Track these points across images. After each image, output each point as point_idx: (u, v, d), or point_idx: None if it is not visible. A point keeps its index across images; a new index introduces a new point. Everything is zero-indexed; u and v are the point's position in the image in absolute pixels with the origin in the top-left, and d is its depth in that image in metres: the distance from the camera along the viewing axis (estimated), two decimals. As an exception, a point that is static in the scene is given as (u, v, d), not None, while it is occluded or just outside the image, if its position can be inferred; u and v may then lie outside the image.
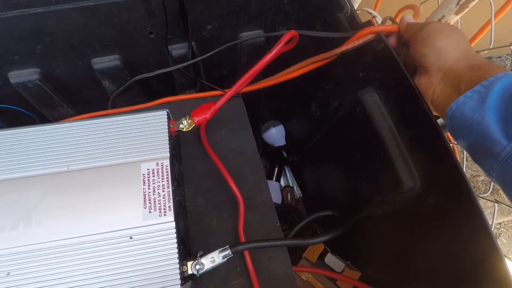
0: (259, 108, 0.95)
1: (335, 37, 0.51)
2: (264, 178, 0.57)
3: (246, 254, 0.46)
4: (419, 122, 0.43)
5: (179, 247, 0.40)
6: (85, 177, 0.43)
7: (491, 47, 0.55)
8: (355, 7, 0.78)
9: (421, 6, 0.69)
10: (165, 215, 0.41)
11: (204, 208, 0.53)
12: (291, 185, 0.98)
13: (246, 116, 0.62)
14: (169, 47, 0.57)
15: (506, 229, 1.31)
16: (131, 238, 0.40)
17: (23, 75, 0.53)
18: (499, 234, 1.30)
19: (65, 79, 0.58)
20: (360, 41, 0.48)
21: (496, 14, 0.57)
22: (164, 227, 0.40)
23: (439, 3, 0.49)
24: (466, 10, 0.46)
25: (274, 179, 0.96)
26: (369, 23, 0.49)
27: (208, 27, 0.57)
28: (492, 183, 0.43)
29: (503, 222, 1.30)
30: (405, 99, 0.45)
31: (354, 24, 0.52)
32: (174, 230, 0.40)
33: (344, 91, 0.61)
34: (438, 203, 0.43)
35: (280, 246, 0.46)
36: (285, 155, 0.96)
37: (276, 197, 0.93)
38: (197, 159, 0.56)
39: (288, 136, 0.99)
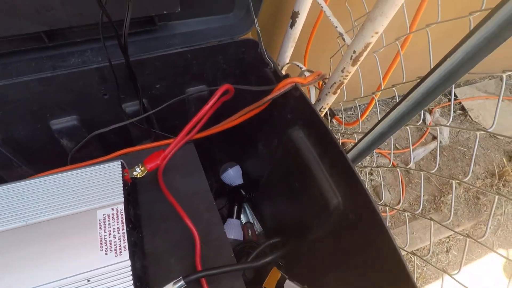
0: (214, 152, 1.03)
1: (262, 90, 0.62)
2: (217, 215, 0.63)
3: (204, 284, 0.50)
4: (333, 152, 0.53)
5: (135, 284, 0.44)
6: (44, 229, 0.47)
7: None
8: (287, 61, 0.92)
9: (331, 60, 0.85)
10: (120, 254, 0.45)
11: (162, 248, 0.57)
12: (251, 221, 1.03)
13: (198, 160, 0.69)
14: (123, 105, 0.65)
15: (455, 242, 1.43)
16: (88, 280, 0.43)
17: (-19, 143, 0.58)
18: (449, 247, 1.41)
19: (24, 141, 0.62)
20: (281, 90, 0.59)
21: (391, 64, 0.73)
22: (120, 266, 0.44)
23: (342, 56, 0.63)
24: (359, 63, 0.59)
25: (234, 217, 1.01)
26: (287, 76, 0.61)
27: (157, 86, 0.66)
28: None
29: (451, 235, 1.42)
30: (320, 134, 0.56)
31: (277, 77, 0.64)
32: (130, 268, 0.44)
33: (279, 130, 0.71)
34: (357, 219, 0.51)
35: (229, 271, 0.51)
36: (243, 193, 1.03)
37: (238, 234, 0.97)
38: (155, 203, 0.62)
39: (244, 174, 1.07)
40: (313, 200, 0.61)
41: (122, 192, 0.51)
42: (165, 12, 0.58)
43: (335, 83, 0.66)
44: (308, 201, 0.63)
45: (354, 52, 0.57)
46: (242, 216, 1.04)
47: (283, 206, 0.81)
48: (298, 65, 0.83)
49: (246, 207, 1.06)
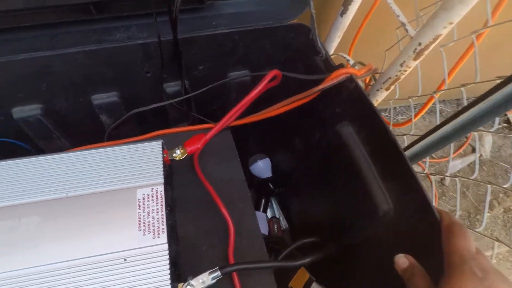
0: (247, 142, 1.00)
1: (311, 79, 0.58)
2: (251, 206, 0.60)
3: (235, 277, 0.48)
4: (389, 153, 0.48)
5: (171, 269, 0.42)
6: (83, 203, 0.45)
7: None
8: (331, 52, 0.88)
9: (385, 53, 0.79)
10: (158, 237, 0.43)
11: (195, 234, 0.55)
12: (277, 216, 1.00)
13: (234, 147, 0.66)
14: (164, 85, 0.63)
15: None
16: (125, 260, 0.42)
17: (25, 111, 0.57)
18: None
19: (65, 114, 0.62)
20: (335, 81, 0.55)
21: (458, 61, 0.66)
22: (157, 249, 0.43)
23: (400, 50, 0.58)
24: (422, 57, 0.54)
25: (261, 210, 0.99)
26: (341, 65, 0.57)
27: (200, 67, 0.63)
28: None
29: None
30: (376, 132, 0.51)
31: (329, 66, 0.60)
32: (167, 252, 0.42)
33: (324, 125, 0.67)
34: (410, 227, 0.47)
35: (267, 267, 0.48)
36: (271, 186, 1.00)
37: (263, 228, 0.95)
38: (188, 187, 0.60)
39: (274, 168, 1.03)
40: (358, 202, 0.57)
41: (162, 173, 0.49)
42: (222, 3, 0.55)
43: (389, 78, 0.62)
44: (352, 203, 0.59)
45: (419, 44, 0.52)
46: (268, 210, 1.01)
47: (318, 205, 0.77)
48: (344, 57, 0.78)
49: (273, 201, 1.03)
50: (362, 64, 0.65)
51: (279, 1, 0.67)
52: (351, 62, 0.77)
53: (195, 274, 0.46)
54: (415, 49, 0.53)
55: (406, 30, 0.56)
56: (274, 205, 1.02)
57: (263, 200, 1.00)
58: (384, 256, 0.53)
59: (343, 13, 0.75)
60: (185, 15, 0.60)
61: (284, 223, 0.98)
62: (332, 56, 0.84)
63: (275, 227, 0.96)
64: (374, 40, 0.97)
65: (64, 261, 0.41)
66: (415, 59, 0.54)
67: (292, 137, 0.85)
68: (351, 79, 0.55)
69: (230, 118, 0.56)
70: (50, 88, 0.56)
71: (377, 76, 0.71)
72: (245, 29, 0.60)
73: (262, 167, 1.02)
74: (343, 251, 0.64)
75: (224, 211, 0.52)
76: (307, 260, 0.49)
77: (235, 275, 0.48)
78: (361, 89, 0.52)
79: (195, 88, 0.66)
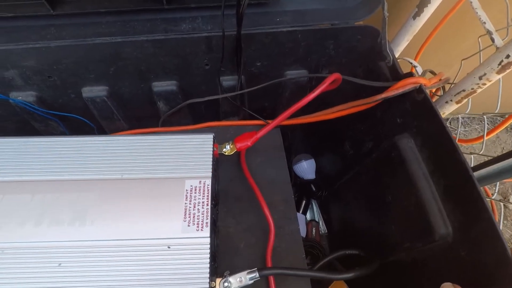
0: (293, 141, 0.99)
1: (374, 85, 0.54)
2: (294, 210, 0.59)
3: (271, 280, 0.48)
4: (456, 174, 0.44)
5: (210, 263, 0.43)
6: (135, 186, 0.47)
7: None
8: (396, 56, 0.81)
9: (462, 62, 0.72)
10: (202, 230, 0.44)
11: (234, 230, 0.56)
12: (316, 219, 0.98)
13: (282, 147, 0.65)
14: (221, 78, 0.63)
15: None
16: (169, 247, 0.43)
17: (94, 91, 0.61)
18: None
19: (127, 97, 0.65)
20: (401, 90, 0.51)
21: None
22: (200, 241, 0.43)
23: (481, 61, 0.52)
24: (508, 70, 0.47)
25: (300, 212, 0.97)
26: (410, 74, 0.52)
27: (258, 64, 0.63)
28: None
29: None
30: (442, 150, 0.47)
31: (395, 73, 0.55)
32: (209, 246, 0.43)
33: (379, 134, 0.63)
34: (471, 257, 0.42)
35: (306, 276, 0.47)
36: (313, 189, 0.98)
37: (301, 230, 0.93)
38: (231, 182, 0.60)
39: (318, 170, 1.01)
40: (411, 221, 0.52)
41: (211, 166, 0.49)
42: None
43: (463, 90, 0.56)
44: (403, 221, 0.55)
45: (508, 57, 0.46)
46: (308, 212, 0.99)
47: (362, 215, 0.73)
48: (411, 62, 0.72)
49: (313, 204, 1.00)
50: (433, 73, 0.60)
51: (347, 0, 0.63)
52: (419, 69, 0.71)
53: (230, 270, 0.47)
54: (501, 61, 0.47)
55: (492, 40, 0.49)
56: (315, 208, 1.00)
57: (304, 202, 0.98)
58: (432, 281, 0.49)
59: (416, 15, 0.69)
60: (249, 10, 0.59)
61: (323, 228, 0.96)
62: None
63: (314, 230, 0.94)
64: (446, 46, 0.89)
65: (112, 240, 0.43)
66: (498, 72, 0.48)
67: (342, 141, 0.82)
68: (420, 90, 0.50)
69: (284, 118, 0.55)
70: (117, 72, 0.59)
71: (447, 87, 0.65)
72: (310, 29, 0.57)
73: (306, 168, 1.00)
74: (386, 269, 0.61)
75: (266, 212, 0.52)
76: (350, 275, 0.47)
77: (271, 278, 0.48)
78: (431, 102, 0.48)
79: (250, 83, 0.66)
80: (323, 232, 0.96)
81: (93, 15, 0.57)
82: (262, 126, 0.62)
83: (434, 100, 0.68)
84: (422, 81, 0.51)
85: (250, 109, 0.74)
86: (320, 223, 0.97)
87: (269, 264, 0.49)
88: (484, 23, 0.51)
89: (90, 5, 0.54)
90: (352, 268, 0.50)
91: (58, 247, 0.42)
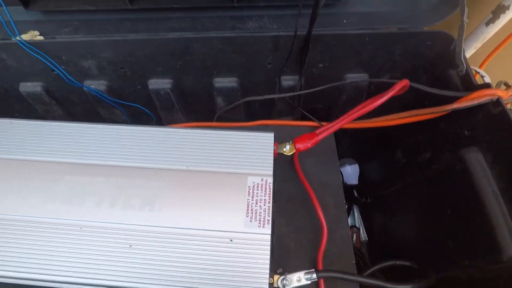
0: (337, 144, 0.97)
1: (444, 95, 0.52)
2: (345, 214, 0.59)
3: (321, 283, 0.48)
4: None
5: (270, 259, 0.44)
6: (200, 178, 0.49)
7: None
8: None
9: None
10: (263, 227, 0.45)
11: (286, 229, 0.56)
12: (357, 226, 0.96)
13: (336, 151, 0.65)
14: (281, 78, 0.64)
15: None
16: (231, 240, 0.44)
17: (159, 84, 0.64)
18: None
19: (188, 91, 0.67)
20: (476, 102, 0.49)
21: None
22: (261, 237, 0.44)
23: None
24: None
25: (341, 216, 0.96)
26: (487, 85, 0.50)
27: (320, 65, 0.62)
28: None
29: None
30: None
31: (469, 83, 0.53)
32: (269, 243, 0.44)
33: (441, 145, 0.60)
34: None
35: (363, 283, 0.46)
36: (355, 194, 0.96)
37: (341, 235, 0.92)
38: (284, 181, 0.60)
39: (362, 176, 0.99)
40: (473, 237, 0.50)
41: (272, 165, 0.50)
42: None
43: (543, 106, 0.52)
44: (463, 236, 0.53)
45: None
46: (349, 218, 0.98)
47: (412, 227, 0.71)
48: (478, 72, 0.68)
49: (355, 209, 0.99)
50: (507, 85, 0.56)
51: (418, 3, 0.61)
52: (486, 79, 0.67)
53: (282, 268, 0.47)
54: None
55: None
56: (356, 214, 0.98)
57: (346, 207, 0.96)
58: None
59: (490, 22, 0.65)
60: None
61: (363, 235, 0.94)
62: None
63: (354, 236, 0.92)
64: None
65: (177, 227, 0.45)
66: None
67: (393, 148, 0.80)
68: (497, 103, 0.48)
69: (346, 122, 0.55)
70: (184, 66, 0.61)
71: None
72: (379, 32, 0.56)
73: (350, 173, 0.98)
74: (438, 286, 0.59)
75: (320, 214, 0.52)
76: (408, 286, 0.46)
77: (322, 281, 0.48)
78: (509, 116, 0.45)
79: (309, 84, 0.66)
80: (363, 239, 0.94)
81: (166, 11, 0.60)
82: (315, 127, 0.62)
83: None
84: (500, 93, 0.48)
85: (304, 109, 0.74)
86: (361, 230, 0.95)
87: (320, 267, 0.49)
88: None
89: (164, 1, 0.57)
90: (409, 281, 0.49)
91: (129, 229, 0.45)
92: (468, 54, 0.75)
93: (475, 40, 0.70)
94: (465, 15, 0.50)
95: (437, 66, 0.59)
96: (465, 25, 0.50)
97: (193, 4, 0.57)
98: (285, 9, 0.60)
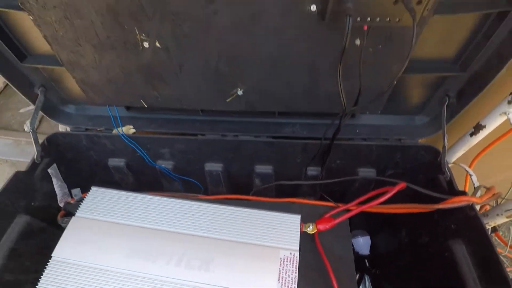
0: (351, 217, 1.12)
1: (432, 195, 0.69)
2: (355, 285, 0.72)
3: None
4: (498, 281, 0.55)
5: (295, 318, 0.57)
6: (244, 248, 0.66)
7: None
8: (453, 160, 0.94)
9: None
10: (291, 292, 0.60)
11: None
12: (368, 295, 1.06)
13: (348, 227, 0.80)
14: (307, 168, 0.83)
15: None
16: (265, 301, 0.59)
17: (213, 167, 0.84)
18: None
19: (233, 173, 0.87)
20: (456, 205, 0.65)
21: None
22: (289, 301, 0.59)
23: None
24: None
25: (353, 285, 1.06)
26: (464, 193, 0.66)
27: (338, 162, 0.81)
28: None
29: None
30: (487, 260, 0.58)
31: (452, 188, 0.69)
32: (295, 306, 0.58)
33: (435, 233, 0.75)
34: None
35: None
36: (367, 264, 1.08)
37: (353, 303, 1.02)
38: (306, 252, 0.75)
39: (372, 248, 1.11)
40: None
41: (298, 241, 0.66)
42: (368, 113, 0.73)
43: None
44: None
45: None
46: (361, 287, 1.08)
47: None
48: (466, 170, 0.85)
49: (366, 279, 1.09)
50: (485, 187, 0.72)
51: (414, 120, 0.81)
52: (474, 178, 0.83)
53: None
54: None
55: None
56: (367, 283, 1.08)
57: (357, 276, 1.07)
58: None
59: (473, 134, 0.83)
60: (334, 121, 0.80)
61: (373, 304, 1.03)
62: (450, 165, 0.91)
63: (365, 305, 1.02)
64: (501, 157, 0.99)
65: (226, 286, 0.60)
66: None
67: (399, 226, 0.94)
68: (471, 207, 0.64)
69: (355, 212, 0.71)
70: (234, 157, 0.81)
71: (499, 200, 0.76)
72: (383, 144, 0.75)
73: (362, 244, 1.11)
74: None
75: (335, 284, 0.65)
76: None
77: None
78: (480, 220, 0.61)
79: (328, 173, 0.84)
80: (373, 308, 1.03)
81: (225, 116, 0.82)
82: (332, 207, 0.78)
83: (486, 209, 0.79)
84: (474, 200, 0.64)
85: (324, 191, 0.92)
86: (372, 299, 1.05)
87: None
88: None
89: (225, 111, 0.79)
90: None
91: (190, 285, 0.61)
92: (459, 154, 0.93)
93: (463, 145, 0.88)
94: (445, 140, 0.68)
95: (430, 170, 0.77)
96: (446, 146, 0.69)
97: (246, 114, 0.79)
98: (311, 118, 0.81)
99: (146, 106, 0.74)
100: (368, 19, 0.46)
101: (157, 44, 0.58)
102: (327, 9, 0.46)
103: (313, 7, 0.49)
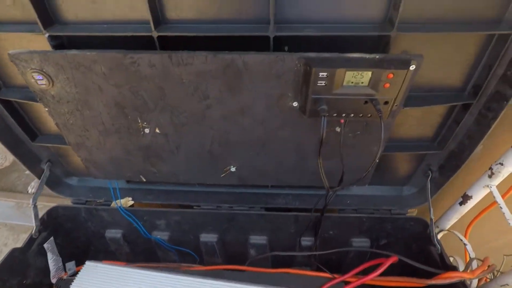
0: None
1: (425, 269, 0.69)
2: None
3: None
4: None
5: None
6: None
7: None
8: (446, 227, 0.95)
9: (504, 257, 0.83)
10: None
11: None
12: None
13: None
14: (301, 239, 0.83)
15: None
16: None
17: (208, 238, 0.86)
18: None
19: (228, 244, 0.88)
20: (447, 281, 0.65)
21: None
22: None
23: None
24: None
25: None
26: (455, 268, 0.66)
27: (330, 232, 0.82)
28: None
29: None
30: None
31: (443, 262, 0.70)
32: None
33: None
34: None
35: None
36: None
37: None
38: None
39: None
40: None
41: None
42: (355, 186, 0.77)
43: (507, 284, 0.67)
44: None
45: (536, 273, 0.59)
46: None
47: None
48: (460, 238, 0.85)
49: None
50: (479, 260, 0.72)
51: (402, 190, 0.84)
52: (469, 247, 0.83)
53: None
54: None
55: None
56: None
57: None
58: None
59: (462, 203, 0.86)
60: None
61: None
62: (444, 232, 0.91)
63: None
64: (495, 222, 1.00)
65: None
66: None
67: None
68: (463, 284, 0.64)
69: (352, 283, 0.71)
70: (228, 228, 0.83)
71: (495, 272, 0.75)
72: (372, 216, 0.77)
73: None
74: None
75: None
76: None
77: None
78: (472, 298, 0.60)
79: (322, 243, 0.85)
80: None
81: (219, 186, 0.85)
82: (328, 279, 0.77)
83: (486, 281, 0.78)
84: (466, 276, 0.64)
85: (320, 259, 0.91)
86: None
87: None
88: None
89: (220, 183, 0.82)
90: None
91: None
92: (452, 222, 0.94)
93: (454, 213, 0.90)
94: (431, 214, 0.71)
95: (422, 240, 0.78)
96: (433, 220, 0.71)
97: (241, 185, 0.82)
98: (304, 189, 0.84)
99: (145, 180, 0.78)
100: (343, 115, 0.52)
101: (157, 130, 0.64)
102: (306, 107, 0.52)
103: (295, 103, 0.55)
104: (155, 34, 0.53)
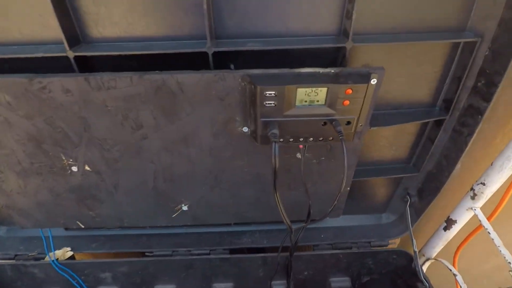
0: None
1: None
2: None
3: None
4: None
5: None
6: None
7: None
8: (433, 256, 0.87)
9: None
10: None
11: None
12: None
13: None
14: (272, 283, 0.72)
15: None
16: None
17: None
18: None
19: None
20: (440, 328, 0.55)
21: None
22: None
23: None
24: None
25: None
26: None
27: (305, 273, 0.72)
28: None
29: None
30: None
31: (433, 302, 0.61)
32: None
33: None
34: None
35: None
36: None
37: None
38: None
39: None
40: None
41: None
42: (328, 218, 0.68)
43: (506, 326, 0.58)
44: None
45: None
46: None
47: None
48: (448, 267, 0.77)
49: None
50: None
51: (381, 218, 0.76)
52: (459, 278, 0.75)
53: None
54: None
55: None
56: None
57: None
58: None
59: (446, 228, 0.78)
60: (297, 225, 0.73)
61: None
62: (432, 261, 0.83)
63: None
64: (486, 245, 0.93)
65: None
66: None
67: None
68: (459, 330, 0.54)
69: None
70: (187, 276, 0.71)
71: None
72: (350, 252, 0.68)
73: None
74: None
75: None
76: None
77: None
78: None
79: (297, 286, 0.74)
80: None
81: (176, 228, 0.74)
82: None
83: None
84: (460, 319, 0.55)
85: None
86: None
87: None
88: (505, 257, 0.58)
89: (176, 221, 0.71)
90: None
91: None
92: (438, 248, 0.85)
93: (439, 239, 0.82)
94: (415, 245, 0.62)
95: (407, 274, 0.68)
96: (417, 252, 0.62)
97: (199, 224, 0.71)
98: (273, 224, 0.75)
99: (83, 227, 0.66)
100: (301, 139, 0.44)
101: (87, 168, 0.54)
102: (257, 132, 0.44)
103: (245, 129, 0.47)
104: (70, 54, 0.44)
